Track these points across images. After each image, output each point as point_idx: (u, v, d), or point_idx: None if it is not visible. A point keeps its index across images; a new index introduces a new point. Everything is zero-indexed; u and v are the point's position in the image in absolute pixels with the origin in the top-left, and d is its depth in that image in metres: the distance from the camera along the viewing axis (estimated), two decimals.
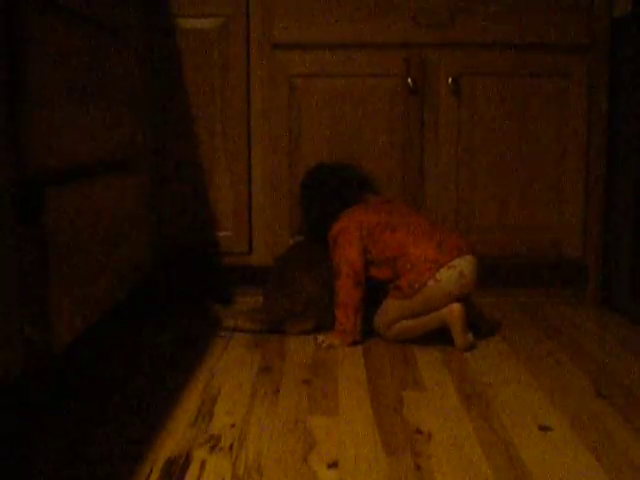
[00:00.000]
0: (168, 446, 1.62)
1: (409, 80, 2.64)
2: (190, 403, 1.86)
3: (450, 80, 2.65)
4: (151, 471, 1.50)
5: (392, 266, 2.32)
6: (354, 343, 2.32)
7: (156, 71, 2.64)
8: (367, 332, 2.37)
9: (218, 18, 2.62)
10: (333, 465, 1.53)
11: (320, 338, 2.35)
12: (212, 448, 1.61)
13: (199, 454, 1.58)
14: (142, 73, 2.49)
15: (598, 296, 2.79)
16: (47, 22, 1.57)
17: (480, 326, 2.43)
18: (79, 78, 1.78)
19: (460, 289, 2.27)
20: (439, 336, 2.32)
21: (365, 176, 2.62)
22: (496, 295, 2.85)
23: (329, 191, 2.52)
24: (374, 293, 2.38)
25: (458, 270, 2.27)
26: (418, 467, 1.52)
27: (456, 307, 2.26)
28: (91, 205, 1.81)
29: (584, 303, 2.80)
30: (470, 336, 2.29)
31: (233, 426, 1.72)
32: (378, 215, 2.38)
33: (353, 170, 2.60)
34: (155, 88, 2.64)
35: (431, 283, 2.25)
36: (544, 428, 1.71)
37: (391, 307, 2.33)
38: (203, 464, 1.53)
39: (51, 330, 1.52)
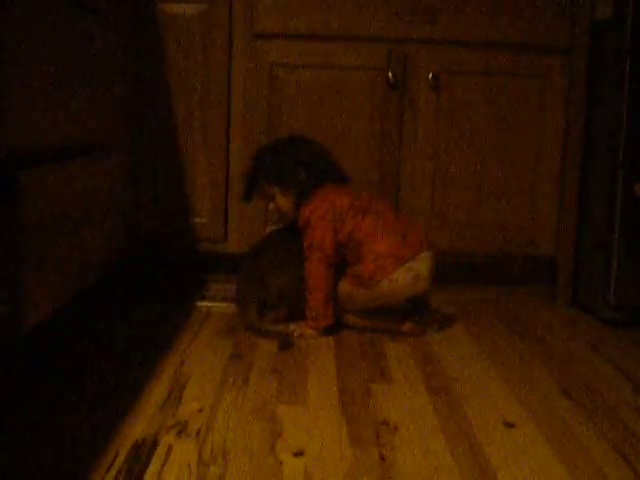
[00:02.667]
0: (135, 430, 1.63)
1: (389, 74, 2.65)
2: (159, 388, 1.87)
3: (430, 76, 2.67)
4: (117, 454, 1.51)
5: (354, 249, 2.34)
6: (327, 327, 2.34)
7: (138, 55, 2.63)
8: (338, 324, 2.39)
9: (201, 4, 2.61)
10: (299, 454, 1.55)
11: (292, 327, 2.36)
12: (179, 433, 1.62)
13: (166, 439, 1.59)
14: (123, 57, 2.49)
15: (569, 295, 2.81)
16: (24, 2, 1.57)
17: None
18: (58, 60, 1.78)
19: (414, 291, 2.34)
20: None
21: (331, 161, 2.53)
22: (467, 291, 2.86)
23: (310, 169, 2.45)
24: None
25: (415, 273, 2.31)
26: (383, 458, 1.54)
27: (409, 326, 2.37)
28: (66, 188, 1.81)
29: (555, 302, 2.83)
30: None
31: (201, 412, 1.73)
32: (349, 196, 2.39)
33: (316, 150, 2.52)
34: (136, 73, 2.64)
35: (386, 282, 2.28)
36: (508, 424, 1.73)
37: (344, 290, 2.36)
38: (170, 449, 1.54)
39: (21, 310, 1.53)
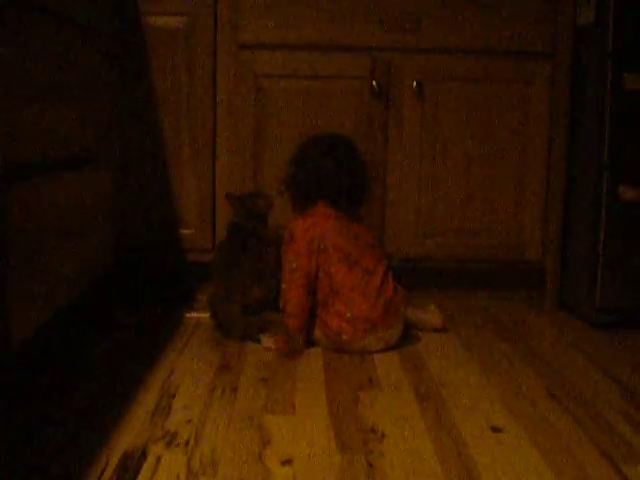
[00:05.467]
0: (124, 440, 1.63)
1: (374, 83, 2.66)
2: (148, 398, 1.87)
3: (414, 84, 2.68)
4: (106, 465, 1.52)
5: (328, 294, 2.30)
6: (296, 352, 2.29)
7: (123, 68, 2.64)
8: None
9: (185, 17, 2.63)
10: (287, 462, 1.55)
11: (264, 341, 2.31)
12: (168, 443, 1.62)
13: (155, 449, 1.59)
14: (109, 70, 2.50)
15: (556, 300, 2.83)
16: (11, 18, 1.58)
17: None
18: (44, 74, 1.79)
19: (381, 349, 2.30)
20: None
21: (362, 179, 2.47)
22: (456, 298, 2.88)
23: (320, 182, 2.40)
24: None
25: (385, 340, 2.29)
26: (371, 465, 1.55)
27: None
28: (53, 201, 1.81)
29: (543, 306, 2.84)
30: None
31: (190, 422, 1.74)
32: (345, 237, 2.32)
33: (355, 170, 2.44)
34: (122, 86, 2.65)
35: (356, 346, 2.27)
36: (496, 429, 1.74)
37: (314, 335, 2.33)
38: (159, 459, 1.55)
39: (10, 325, 1.53)
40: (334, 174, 2.39)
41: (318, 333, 2.31)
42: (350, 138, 2.50)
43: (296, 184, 2.43)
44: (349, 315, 2.25)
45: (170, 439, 1.64)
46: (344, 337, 2.26)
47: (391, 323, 2.29)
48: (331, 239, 2.31)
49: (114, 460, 1.54)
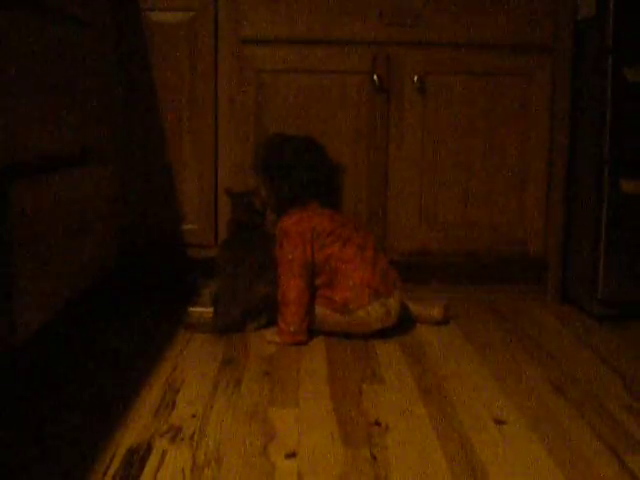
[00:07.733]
0: (129, 436, 1.64)
1: (375, 77, 2.66)
2: (152, 394, 1.88)
3: (416, 78, 2.68)
4: (112, 460, 1.52)
5: (329, 274, 2.35)
6: (302, 342, 2.31)
7: (125, 64, 2.64)
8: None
9: (187, 12, 2.63)
10: (291, 455, 1.56)
11: (268, 336, 2.34)
12: (173, 438, 1.63)
13: (160, 444, 1.60)
14: (111, 66, 2.50)
15: (559, 293, 2.83)
16: (12, 15, 1.58)
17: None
18: (45, 71, 1.79)
19: (382, 325, 2.34)
20: (399, 330, 2.36)
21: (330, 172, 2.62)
22: (458, 291, 2.88)
23: (301, 180, 2.49)
24: None
25: (386, 309, 2.32)
26: (375, 458, 1.55)
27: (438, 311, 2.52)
28: (55, 198, 1.82)
29: (545, 300, 2.84)
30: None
31: (194, 416, 1.74)
32: (332, 223, 2.40)
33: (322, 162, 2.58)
34: (124, 81, 2.65)
35: (361, 313, 2.29)
36: (499, 422, 1.74)
37: (317, 312, 2.35)
38: (164, 454, 1.56)
39: (14, 322, 1.54)
40: (330, 175, 2.56)
41: (323, 310, 2.34)
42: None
43: (287, 189, 2.49)
44: (351, 283, 2.31)
45: (175, 433, 1.65)
46: (350, 306, 2.29)
47: (390, 291, 2.33)
48: (321, 226, 2.38)
49: (119, 455, 1.55)
